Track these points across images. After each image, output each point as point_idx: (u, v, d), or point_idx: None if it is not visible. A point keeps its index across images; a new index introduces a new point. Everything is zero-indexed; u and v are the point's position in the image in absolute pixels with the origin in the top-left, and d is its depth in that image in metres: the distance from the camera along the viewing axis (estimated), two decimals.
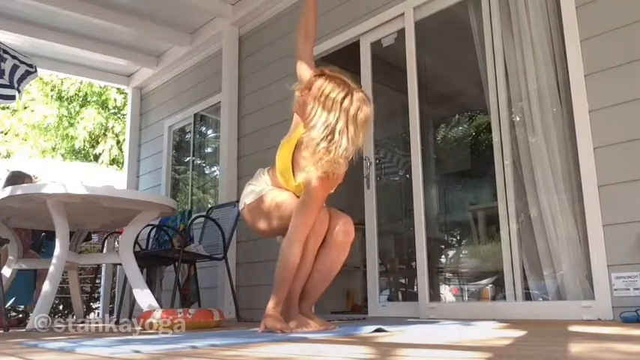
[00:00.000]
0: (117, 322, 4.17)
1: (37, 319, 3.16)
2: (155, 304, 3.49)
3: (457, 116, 6.18)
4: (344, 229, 2.47)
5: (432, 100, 4.82)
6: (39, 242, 4.72)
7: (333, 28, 4.23)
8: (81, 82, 12.17)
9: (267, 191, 2.59)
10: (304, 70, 2.58)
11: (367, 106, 2.33)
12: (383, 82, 4.22)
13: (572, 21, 2.91)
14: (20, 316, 4.08)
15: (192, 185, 6.07)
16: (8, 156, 12.18)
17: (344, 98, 2.28)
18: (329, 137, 2.23)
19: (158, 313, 3.03)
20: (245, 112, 5.05)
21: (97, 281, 6.04)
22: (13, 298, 4.50)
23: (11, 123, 12.43)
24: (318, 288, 2.54)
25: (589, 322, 2.52)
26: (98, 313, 7.56)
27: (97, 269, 5.73)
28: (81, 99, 12.83)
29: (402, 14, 3.75)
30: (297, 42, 2.68)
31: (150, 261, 4.37)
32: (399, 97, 3.93)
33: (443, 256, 5.33)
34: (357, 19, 4.08)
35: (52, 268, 3.34)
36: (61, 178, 7.39)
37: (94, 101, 12.75)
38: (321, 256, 2.47)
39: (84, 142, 12.55)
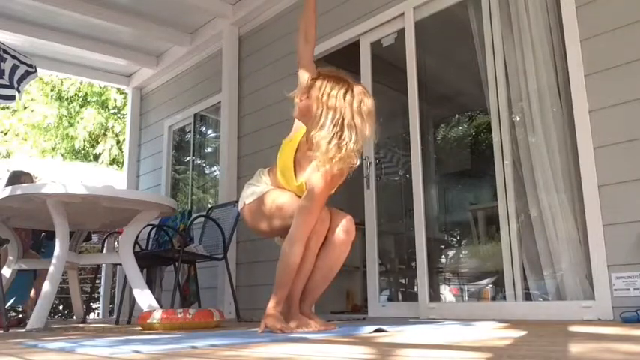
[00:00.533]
0: (117, 322, 4.18)
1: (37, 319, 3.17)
2: (155, 304, 3.49)
3: (457, 116, 6.17)
4: (345, 228, 2.48)
5: (432, 100, 4.82)
6: (39, 242, 4.72)
7: (333, 28, 4.23)
8: (81, 82, 12.18)
9: (268, 191, 2.59)
10: (302, 76, 2.58)
11: (369, 98, 2.36)
12: (383, 82, 4.22)
13: (572, 21, 2.91)
14: (20, 316, 4.07)
15: (192, 185, 6.07)
16: (8, 156, 12.18)
17: (345, 94, 2.31)
18: (339, 134, 2.26)
19: (158, 313, 3.03)
20: (245, 112, 5.05)
21: (97, 281, 6.04)
22: (13, 298, 4.50)
23: (11, 123, 12.44)
24: (318, 287, 2.54)
25: (589, 322, 2.52)
26: (98, 313, 7.56)
27: (97, 269, 5.73)
28: (81, 99, 12.84)
29: (402, 14, 3.76)
30: (297, 45, 2.69)
31: (150, 261, 4.36)
32: (399, 97, 3.93)
33: (443, 256, 5.33)
34: (357, 19, 4.08)
35: (52, 268, 3.34)
36: (61, 178, 7.40)
37: (94, 101, 12.75)
38: (322, 255, 2.47)
39: (84, 142, 12.56)
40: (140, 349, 1.62)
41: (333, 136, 2.25)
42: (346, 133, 2.25)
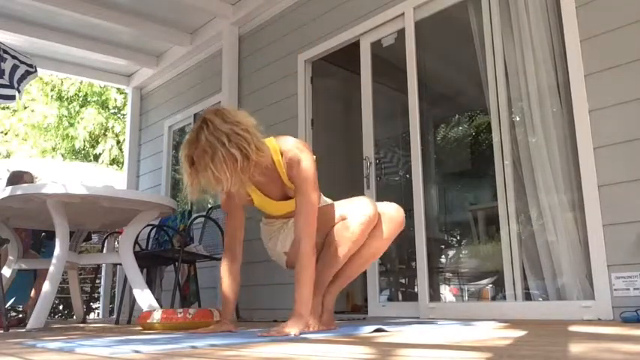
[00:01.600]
0: (117, 322, 4.18)
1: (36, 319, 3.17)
2: (155, 304, 3.50)
3: (457, 116, 6.18)
4: (397, 213, 2.45)
5: (432, 100, 4.82)
6: (39, 242, 4.72)
7: (333, 28, 4.23)
8: (81, 82, 12.18)
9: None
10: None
11: (214, 119, 2.19)
12: (383, 82, 4.22)
13: (572, 21, 2.91)
14: (20, 316, 4.07)
15: None
16: (8, 156, 12.18)
17: (224, 155, 2.12)
18: (244, 153, 2.15)
19: (158, 313, 3.03)
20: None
21: (97, 281, 6.04)
22: (13, 298, 4.50)
23: (11, 123, 12.44)
24: (351, 275, 2.51)
25: (589, 322, 2.52)
26: (98, 313, 7.56)
27: (97, 269, 5.74)
28: (81, 99, 12.84)
29: (402, 14, 3.75)
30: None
31: (150, 261, 4.37)
32: (399, 97, 3.93)
33: (443, 256, 5.34)
34: (357, 19, 4.08)
35: (52, 268, 3.34)
36: (61, 178, 7.39)
37: (94, 101, 12.75)
38: (368, 241, 2.42)
39: (84, 142, 12.55)
40: (140, 349, 1.62)
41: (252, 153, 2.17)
42: (247, 147, 2.18)
